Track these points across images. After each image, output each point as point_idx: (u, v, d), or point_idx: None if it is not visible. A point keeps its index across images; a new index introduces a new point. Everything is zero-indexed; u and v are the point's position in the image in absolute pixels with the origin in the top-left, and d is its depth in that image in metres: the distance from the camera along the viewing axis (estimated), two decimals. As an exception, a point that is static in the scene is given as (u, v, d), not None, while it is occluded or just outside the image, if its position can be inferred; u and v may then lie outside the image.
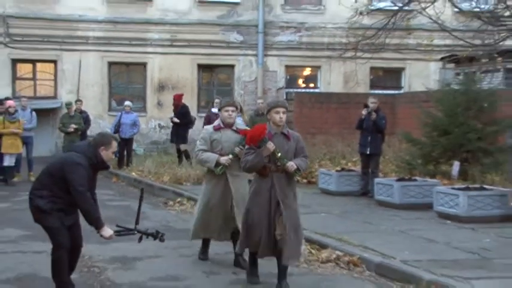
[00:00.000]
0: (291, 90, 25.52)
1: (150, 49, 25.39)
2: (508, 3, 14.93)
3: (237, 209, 8.43)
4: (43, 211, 6.79)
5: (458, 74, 21.28)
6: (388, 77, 27.18)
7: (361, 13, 17.05)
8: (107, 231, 6.70)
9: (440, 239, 10.34)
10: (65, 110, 20.88)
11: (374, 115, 14.39)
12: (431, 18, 15.56)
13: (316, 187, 15.68)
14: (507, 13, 14.99)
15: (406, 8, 16.48)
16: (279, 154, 7.30)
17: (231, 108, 8.59)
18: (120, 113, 20.79)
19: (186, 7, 25.49)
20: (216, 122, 8.73)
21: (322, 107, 21.68)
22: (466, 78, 16.99)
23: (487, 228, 11.17)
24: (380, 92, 25.00)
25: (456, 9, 17.38)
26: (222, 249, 10.10)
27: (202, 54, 25.56)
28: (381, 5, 19.12)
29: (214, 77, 26.46)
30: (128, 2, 25.20)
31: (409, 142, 16.23)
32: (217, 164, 8.36)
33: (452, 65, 23.95)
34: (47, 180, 6.86)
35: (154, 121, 25.46)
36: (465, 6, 17.60)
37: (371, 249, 9.17)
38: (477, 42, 16.30)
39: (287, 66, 26.55)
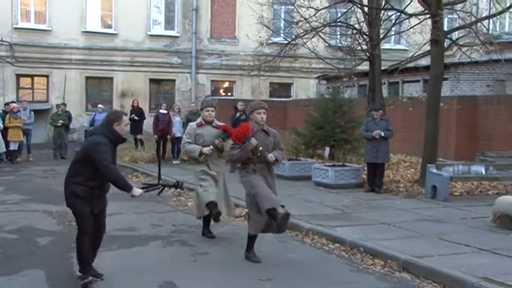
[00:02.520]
0: (215, 97, 25.51)
1: (115, 68, 24.95)
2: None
3: (219, 187, 7.71)
4: (78, 197, 5.53)
5: (328, 88, 21.64)
6: (282, 89, 27.35)
7: (262, 44, 17.08)
8: (136, 191, 5.50)
9: (316, 200, 10.48)
10: (54, 110, 20.65)
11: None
12: (310, 50, 15.71)
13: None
14: (359, 48, 15.28)
15: (293, 42, 16.61)
16: (260, 148, 6.51)
17: (210, 109, 7.78)
18: (94, 113, 20.61)
19: (141, 39, 25.17)
20: (199, 120, 7.87)
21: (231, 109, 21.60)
22: (334, 90, 17.29)
23: (347, 193, 11.38)
24: (276, 99, 25.31)
25: (326, 44, 17.57)
26: (163, 208, 10.03)
27: (153, 72, 25.35)
28: (277, 39, 19.16)
29: (161, 88, 26.20)
30: (100, 34, 24.76)
31: (295, 134, 16.40)
32: (201, 153, 7.60)
33: (324, 82, 24.32)
34: (78, 167, 5.57)
35: (118, 118, 24.97)
36: (332, 42, 17.84)
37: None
38: (340, 66, 16.57)
39: (212, 81, 26.43)
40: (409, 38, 17.84)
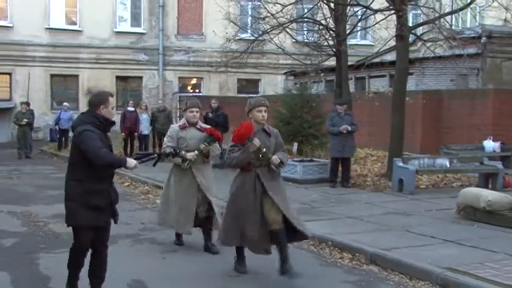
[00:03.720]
0: (182, 94, 25.48)
1: (81, 65, 24.65)
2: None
3: (207, 193, 6.86)
4: (77, 203, 4.75)
5: (296, 84, 21.70)
6: (250, 85, 27.36)
7: (229, 41, 17.06)
8: (130, 163, 4.76)
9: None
10: (18, 109, 20.18)
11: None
12: (277, 46, 15.76)
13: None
14: (326, 43, 15.39)
15: (261, 38, 16.64)
16: (264, 150, 5.66)
17: (195, 109, 6.96)
18: (59, 111, 20.42)
19: (107, 35, 24.91)
20: (182, 122, 7.06)
21: (203, 106, 21.52)
22: (301, 86, 17.35)
23: (315, 188, 11.46)
24: (244, 95, 25.26)
25: (293, 40, 17.64)
26: (132, 206, 9.95)
27: (119, 69, 25.09)
28: (244, 35, 19.17)
29: (128, 85, 25.94)
30: (64, 31, 24.42)
31: (263, 130, 16.41)
32: (184, 159, 6.74)
33: (292, 77, 24.40)
34: (74, 168, 4.81)
35: (85, 116, 24.69)
36: (299, 38, 17.91)
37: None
38: (308, 62, 16.65)
39: (180, 77, 26.33)
40: (375, 34, 18.01)
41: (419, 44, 15.84)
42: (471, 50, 17.20)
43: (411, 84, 17.43)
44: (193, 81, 27.00)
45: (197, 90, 26.69)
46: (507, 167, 13.32)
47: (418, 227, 7.81)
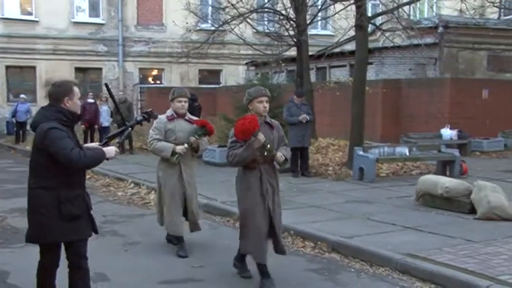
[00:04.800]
0: (143, 85, 25.33)
1: (38, 56, 24.11)
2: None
3: (190, 199, 6.51)
4: (45, 220, 4.04)
5: (257, 74, 21.74)
6: (211, 75, 27.24)
7: (190, 31, 16.96)
8: (110, 152, 4.18)
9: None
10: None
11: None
12: (238, 36, 15.73)
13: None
14: (286, 33, 15.44)
15: (221, 28, 16.58)
16: (269, 145, 5.12)
17: (183, 99, 6.43)
18: (16, 103, 20.06)
19: (64, 26, 24.45)
20: (169, 112, 6.48)
21: (165, 97, 21.35)
22: (262, 76, 17.39)
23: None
24: (206, 86, 25.27)
25: (254, 30, 17.64)
26: (93, 199, 9.82)
27: (78, 60, 24.69)
28: (204, 26, 19.07)
29: (87, 77, 25.49)
30: (20, 21, 23.84)
31: (225, 120, 16.40)
32: (173, 153, 6.28)
33: (253, 68, 24.42)
34: (40, 173, 4.08)
35: (43, 109, 24.24)
36: (260, 28, 17.92)
37: (199, 194, 9.23)
38: (268, 52, 16.68)
39: (140, 69, 26.00)
40: (335, 24, 18.15)
41: (378, 34, 16.04)
42: (428, 40, 17.53)
43: (371, 73, 17.65)
44: (154, 72, 26.74)
45: (158, 82, 26.46)
46: (464, 155, 13.68)
47: (378, 215, 7.95)
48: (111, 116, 17.37)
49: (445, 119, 15.91)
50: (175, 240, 6.60)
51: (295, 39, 15.08)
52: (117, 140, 4.65)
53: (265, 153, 5.15)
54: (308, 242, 6.82)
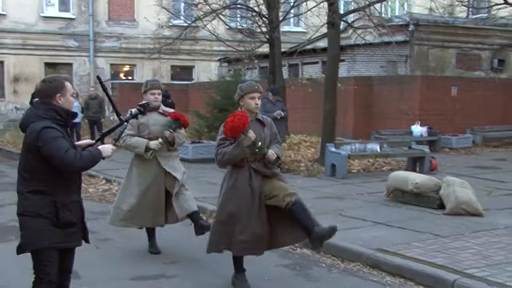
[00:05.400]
0: (115, 81, 25.13)
1: (5, 51, 23.70)
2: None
3: (171, 188, 6.14)
4: (40, 225, 3.73)
5: (229, 70, 21.71)
6: (183, 72, 27.15)
7: (162, 27, 16.87)
8: (107, 151, 3.87)
9: (220, 182, 10.52)
10: None
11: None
12: (210, 32, 15.69)
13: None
14: (259, 30, 15.46)
15: (194, 24, 16.53)
16: (260, 143, 4.93)
17: (157, 91, 6.19)
18: (-16, 99, 19.57)
19: (33, 20, 24.09)
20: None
21: (137, 93, 21.26)
22: (235, 73, 17.38)
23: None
24: (178, 82, 25.18)
25: (227, 27, 17.62)
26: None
27: (48, 55, 24.31)
28: (177, 22, 19.00)
29: (57, 72, 24.71)
30: (-13, 15, 23.43)
31: (198, 117, 16.37)
32: (147, 148, 6.05)
33: (226, 64, 24.40)
34: (33, 176, 3.75)
35: (11, 104, 23.90)
36: (232, 24, 17.91)
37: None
38: (241, 48, 16.68)
39: (112, 64, 25.78)
40: (307, 21, 18.25)
41: (350, 31, 16.19)
42: (399, 38, 17.73)
43: (343, 70, 17.78)
44: (126, 68, 26.54)
45: (130, 78, 26.27)
46: (433, 151, 13.88)
47: (350, 210, 8.03)
48: (82, 112, 17.18)
49: (415, 116, 16.13)
50: (152, 248, 6.39)
51: (267, 36, 15.11)
52: (106, 133, 4.23)
53: (256, 151, 4.97)
54: (280, 237, 6.84)
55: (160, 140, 6.08)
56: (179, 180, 6.12)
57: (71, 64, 25.03)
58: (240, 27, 16.87)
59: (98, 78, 4.36)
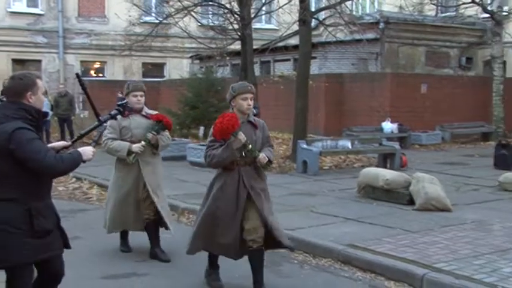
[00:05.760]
0: (85, 78, 24.69)
1: (-29, 47, 23.32)
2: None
3: (154, 195, 5.93)
4: (15, 239, 3.41)
5: (201, 67, 21.66)
6: (155, 69, 26.98)
7: (133, 24, 16.72)
8: (87, 153, 3.60)
9: (191, 179, 10.52)
10: None
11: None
12: (182, 29, 15.61)
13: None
14: (231, 27, 15.44)
15: (165, 21, 16.42)
16: (250, 146, 4.75)
17: (139, 93, 5.94)
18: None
19: (0, 16, 23.68)
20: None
21: (108, 91, 21.05)
22: (207, 70, 17.37)
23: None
24: (149, 79, 24.93)
25: (199, 24, 17.54)
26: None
27: (16, 52, 23.93)
28: (148, 18, 18.82)
29: (25, 69, 24.46)
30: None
31: (169, 114, 16.28)
32: (129, 152, 5.83)
33: (197, 61, 24.32)
34: (1, 183, 3.42)
35: (-21, 102, 23.46)
36: (204, 21, 17.85)
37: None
38: (213, 46, 16.64)
39: (82, 61, 25.50)
40: (279, 18, 18.29)
41: (321, 28, 16.24)
42: (370, 35, 17.91)
43: (314, 68, 17.87)
44: (97, 65, 26.27)
45: (100, 75, 26.01)
46: (404, 147, 14.06)
47: (321, 207, 8.08)
48: (51, 110, 16.95)
49: (386, 113, 16.30)
50: (124, 247, 6.27)
51: (239, 33, 15.09)
52: (81, 136, 4.01)
53: (246, 154, 4.78)
54: (252, 234, 6.85)
55: (143, 142, 5.86)
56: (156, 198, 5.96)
57: (39, 61, 24.67)
58: (211, 24, 16.81)
59: (77, 76, 4.13)
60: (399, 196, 8.32)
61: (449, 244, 6.07)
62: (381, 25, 19.33)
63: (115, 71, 25.68)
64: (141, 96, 5.98)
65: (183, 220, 7.82)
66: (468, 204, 8.25)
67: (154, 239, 6.04)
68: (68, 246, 3.82)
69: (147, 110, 6.09)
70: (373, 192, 8.67)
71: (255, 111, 11.74)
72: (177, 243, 6.01)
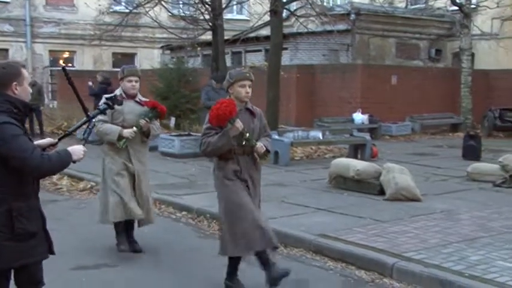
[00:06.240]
0: (54, 68, 24.45)
1: None
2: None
3: (139, 189, 5.83)
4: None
5: (172, 58, 21.47)
6: (125, 59, 26.60)
7: (103, 13, 16.49)
8: (78, 152, 3.31)
9: (162, 170, 10.43)
10: None
11: None
12: (152, 19, 15.45)
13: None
14: (202, 17, 15.34)
15: (135, 11, 16.23)
16: (247, 134, 4.58)
17: (134, 78, 5.77)
18: None
19: (-35, 4, 23.17)
20: (118, 92, 5.81)
21: (78, 81, 20.66)
22: (178, 60, 17.23)
23: (193, 162, 11.45)
24: (119, 69, 24.67)
25: (170, 13, 17.39)
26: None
27: (-19, 41, 23.41)
28: (118, 8, 18.60)
29: (-8, 58, 24.35)
30: None
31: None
32: (120, 137, 5.66)
33: (168, 52, 24.11)
34: None
35: None
36: (175, 11, 17.71)
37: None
38: (184, 36, 16.51)
39: (50, 51, 25.12)
40: (250, 9, 18.24)
41: (293, 19, 16.27)
42: (341, 27, 17.97)
43: (286, 58, 17.88)
44: (66, 54, 25.87)
45: (70, 64, 25.60)
46: (374, 138, 14.18)
47: (292, 197, 8.11)
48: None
49: (356, 104, 16.42)
50: (122, 246, 5.85)
51: (210, 23, 14.99)
52: (82, 136, 3.63)
53: (244, 143, 4.61)
54: (224, 225, 6.85)
55: (134, 128, 5.69)
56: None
57: (6, 50, 24.18)
58: (182, 14, 16.69)
59: (64, 69, 3.78)
60: (370, 186, 8.39)
61: (419, 233, 6.15)
62: (352, 16, 19.42)
63: (85, 60, 25.34)
64: (135, 81, 5.81)
65: (154, 210, 7.74)
66: (437, 194, 8.36)
67: (129, 229, 5.94)
68: (52, 252, 3.53)
69: (140, 97, 5.92)
70: (344, 182, 8.73)
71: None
72: (149, 234, 5.97)
